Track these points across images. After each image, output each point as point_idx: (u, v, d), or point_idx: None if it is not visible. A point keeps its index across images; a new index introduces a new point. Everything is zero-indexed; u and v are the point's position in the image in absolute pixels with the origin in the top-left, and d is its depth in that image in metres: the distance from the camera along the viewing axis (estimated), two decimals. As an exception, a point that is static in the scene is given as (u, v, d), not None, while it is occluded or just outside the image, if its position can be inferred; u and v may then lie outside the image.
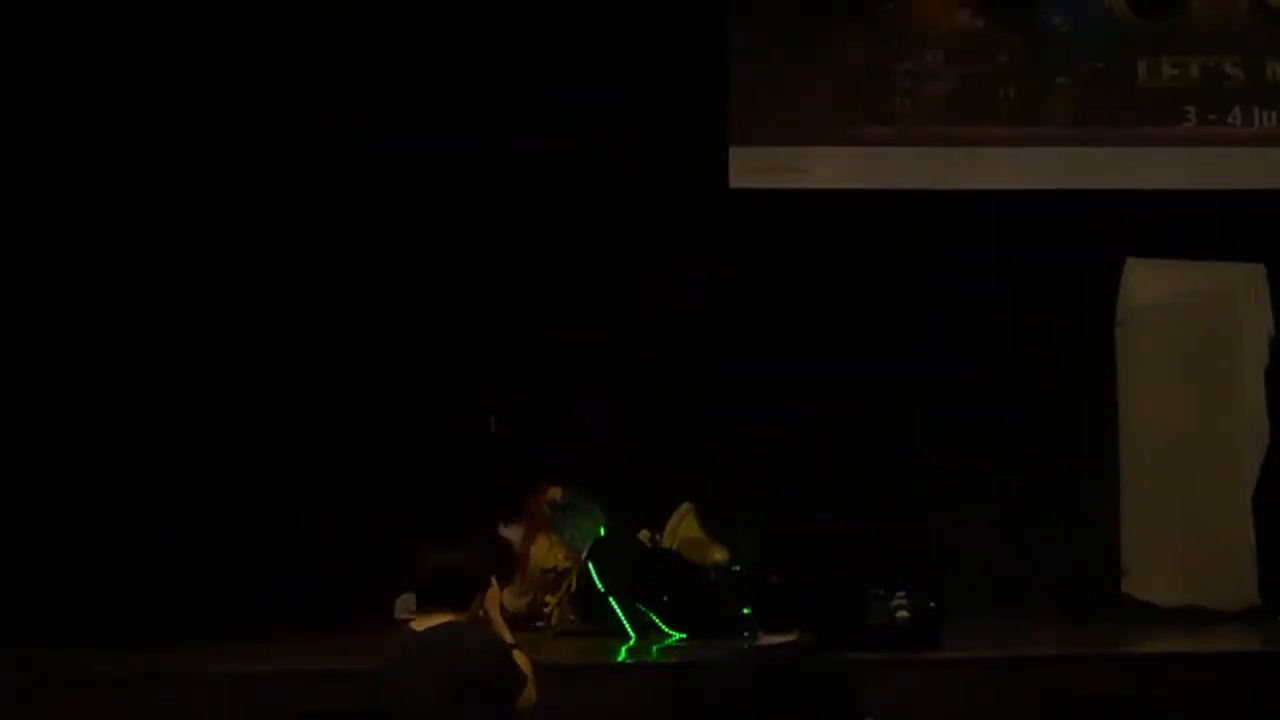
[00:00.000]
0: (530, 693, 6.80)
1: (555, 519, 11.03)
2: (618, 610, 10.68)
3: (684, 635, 10.53)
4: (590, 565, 10.79)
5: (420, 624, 6.80)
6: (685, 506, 11.11)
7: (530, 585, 10.89)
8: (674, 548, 11.03)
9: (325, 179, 11.86)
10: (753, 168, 12.08)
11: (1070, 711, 8.82)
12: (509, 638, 6.94)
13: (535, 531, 11.13)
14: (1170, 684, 8.97)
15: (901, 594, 9.34)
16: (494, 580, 7.01)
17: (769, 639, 6.99)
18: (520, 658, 6.82)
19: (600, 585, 10.74)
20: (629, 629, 10.61)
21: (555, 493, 11.15)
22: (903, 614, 9.32)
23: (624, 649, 10.25)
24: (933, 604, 9.38)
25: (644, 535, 11.08)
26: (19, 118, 11.52)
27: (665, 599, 10.67)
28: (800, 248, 12.00)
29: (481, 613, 6.90)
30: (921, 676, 8.99)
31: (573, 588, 10.93)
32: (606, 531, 10.95)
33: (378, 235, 11.92)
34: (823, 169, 12.15)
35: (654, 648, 10.33)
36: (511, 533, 10.99)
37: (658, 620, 10.63)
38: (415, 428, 11.74)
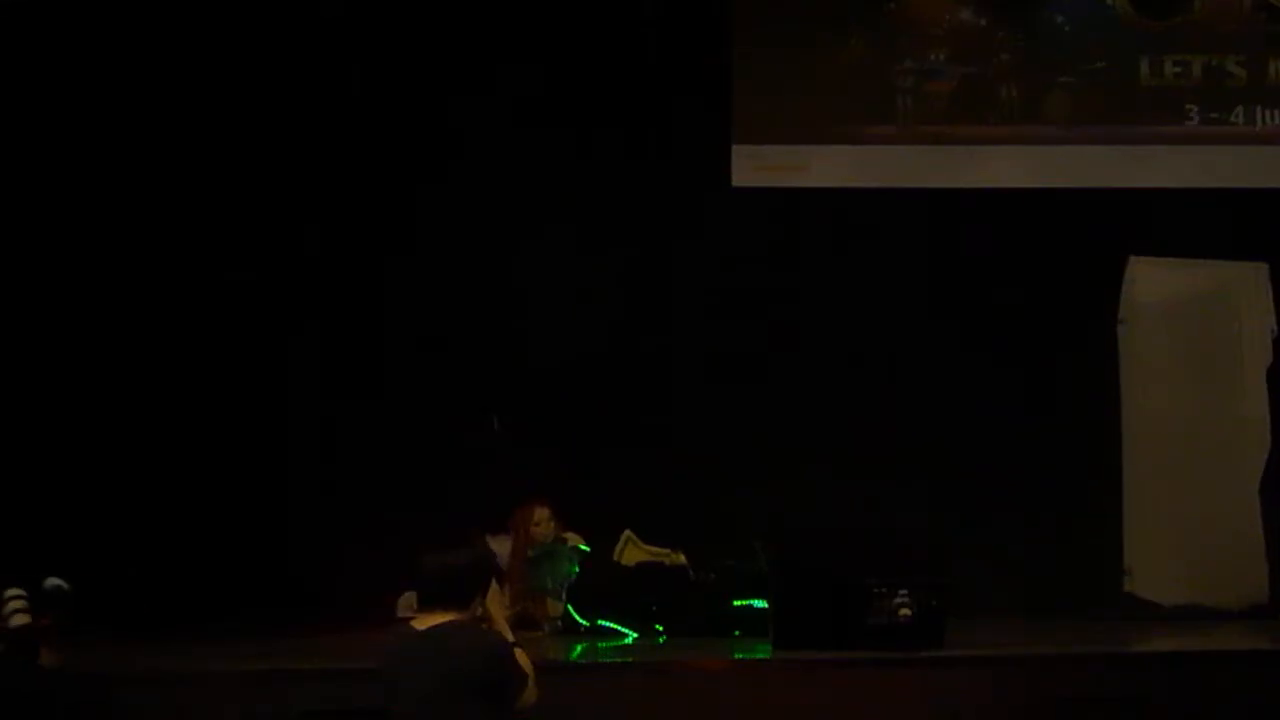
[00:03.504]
0: (531, 692, 6.81)
1: (529, 569, 11.05)
2: (613, 626, 10.70)
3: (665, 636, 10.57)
4: (570, 608, 10.82)
5: (421, 623, 6.80)
6: (625, 535, 11.11)
7: (518, 596, 10.88)
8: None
9: (337, 178, 11.86)
10: (755, 166, 12.07)
11: (1073, 711, 8.81)
12: (510, 637, 6.94)
13: (522, 544, 11.12)
14: (1172, 683, 8.97)
15: (904, 592, 9.32)
16: (495, 580, 7.01)
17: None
18: (521, 657, 6.83)
19: (584, 623, 10.77)
20: (627, 631, 10.63)
21: (543, 513, 11.14)
22: (905, 612, 9.30)
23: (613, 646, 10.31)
24: (935, 602, 9.36)
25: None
26: (18, 118, 11.51)
27: (653, 608, 10.68)
28: (802, 246, 12.00)
29: (482, 612, 6.90)
30: (923, 675, 8.99)
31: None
32: (580, 570, 10.95)
33: (375, 235, 11.90)
34: (824, 167, 12.14)
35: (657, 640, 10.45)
36: (498, 545, 10.98)
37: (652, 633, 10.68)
38: (416, 428, 11.72)
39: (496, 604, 7.01)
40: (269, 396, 11.69)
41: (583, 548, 11.07)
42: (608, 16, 12.08)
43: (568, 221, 11.95)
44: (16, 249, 11.44)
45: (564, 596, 10.92)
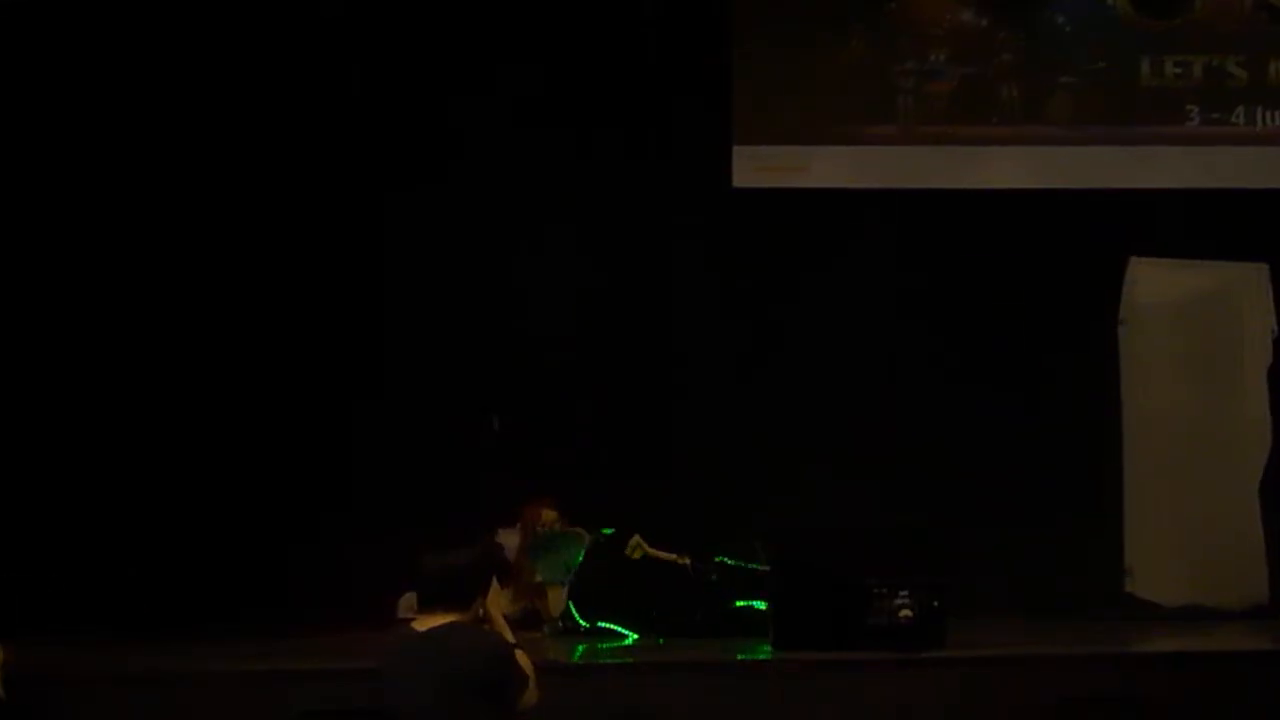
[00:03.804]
0: (532, 693, 6.80)
1: (533, 553, 11.03)
2: (613, 627, 10.70)
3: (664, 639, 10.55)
4: (570, 605, 10.81)
5: (421, 624, 6.80)
6: (634, 540, 11.08)
7: (523, 592, 10.88)
8: None
9: (337, 178, 11.85)
10: (755, 166, 12.06)
11: (1073, 711, 8.81)
12: (511, 638, 6.94)
13: (529, 540, 11.12)
14: (1174, 684, 8.96)
15: (904, 593, 9.31)
16: (496, 580, 7.01)
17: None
18: (522, 658, 6.82)
19: (584, 624, 10.75)
20: (627, 632, 10.63)
21: (550, 515, 11.13)
22: (906, 613, 9.29)
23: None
24: (936, 603, 9.35)
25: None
26: (18, 118, 11.50)
27: (653, 613, 10.67)
28: (802, 247, 11.99)
29: (483, 613, 6.90)
30: (925, 676, 8.98)
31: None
32: (584, 560, 10.92)
33: (375, 235, 11.90)
34: (825, 168, 12.12)
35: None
36: (506, 538, 10.98)
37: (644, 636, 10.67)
38: (417, 428, 11.71)
39: (497, 605, 7.00)
40: (269, 396, 11.66)
41: (605, 531, 11.00)
42: (608, 16, 12.06)
43: (568, 221, 11.96)
44: (17, 249, 11.44)
45: (567, 592, 10.90)
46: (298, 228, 11.83)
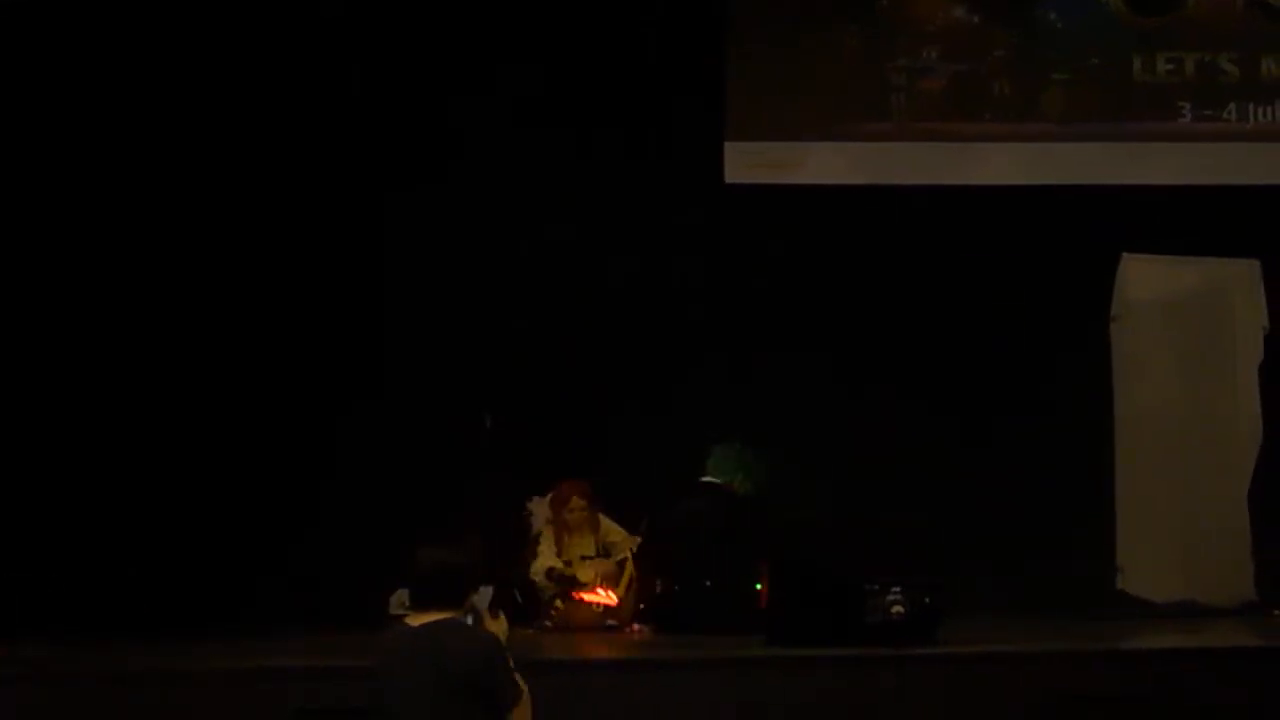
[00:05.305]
0: (524, 708, 6.81)
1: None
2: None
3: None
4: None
5: (414, 621, 6.85)
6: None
7: (555, 575, 10.97)
8: None
9: (337, 178, 11.90)
10: (748, 163, 12.10)
11: (1065, 708, 8.83)
12: (502, 636, 6.98)
13: (560, 519, 11.16)
14: (1166, 680, 8.98)
15: (897, 589, 9.35)
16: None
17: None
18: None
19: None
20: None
21: (579, 501, 11.16)
22: (898, 609, 9.34)
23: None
24: (928, 600, 9.39)
25: None
26: (18, 118, 11.56)
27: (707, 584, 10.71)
28: (796, 244, 12.04)
29: (475, 610, 6.95)
30: (916, 672, 9.00)
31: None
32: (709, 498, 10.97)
33: (375, 235, 11.95)
34: (818, 164, 12.15)
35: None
36: (537, 507, 11.05)
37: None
38: (416, 428, 11.76)
39: (487, 603, 7.05)
40: (269, 396, 11.71)
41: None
42: (608, 16, 12.11)
43: (568, 221, 11.97)
44: (16, 249, 11.49)
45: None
46: (298, 228, 11.88)
